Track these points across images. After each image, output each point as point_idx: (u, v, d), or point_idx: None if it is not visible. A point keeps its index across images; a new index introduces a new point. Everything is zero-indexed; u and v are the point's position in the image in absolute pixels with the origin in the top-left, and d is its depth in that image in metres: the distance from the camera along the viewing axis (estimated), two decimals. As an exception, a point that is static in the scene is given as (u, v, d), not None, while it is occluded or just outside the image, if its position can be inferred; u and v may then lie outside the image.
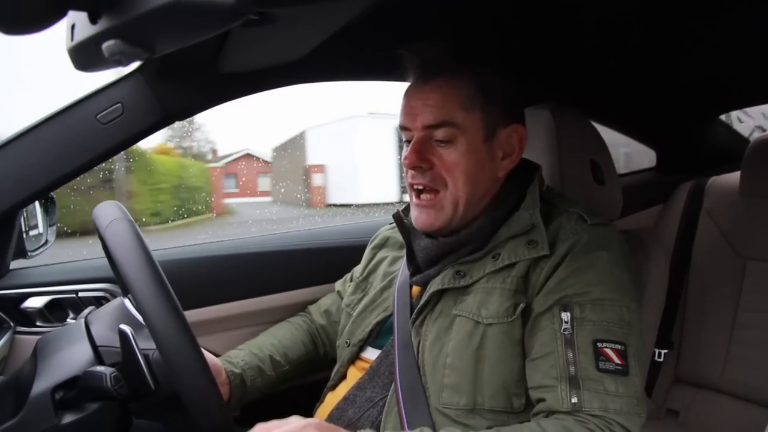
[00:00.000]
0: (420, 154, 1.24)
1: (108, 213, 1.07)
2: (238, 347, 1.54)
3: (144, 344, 1.07)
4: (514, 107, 1.32)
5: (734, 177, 2.06)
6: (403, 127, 1.29)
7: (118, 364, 1.07)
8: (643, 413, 1.10)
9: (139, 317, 1.17)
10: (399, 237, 1.45)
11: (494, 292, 1.20)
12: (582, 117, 1.61)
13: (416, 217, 1.29)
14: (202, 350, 1.03)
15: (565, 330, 1.12)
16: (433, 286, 1.27)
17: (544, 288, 1.17)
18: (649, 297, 1.59)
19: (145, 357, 1.07)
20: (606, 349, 1.10)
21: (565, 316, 1.13)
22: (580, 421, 1.06)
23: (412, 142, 1.25)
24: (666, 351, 2.05)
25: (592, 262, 1.17)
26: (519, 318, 1.17)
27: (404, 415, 1.21)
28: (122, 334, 1.07)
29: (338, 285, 1.69)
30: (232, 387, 1.43)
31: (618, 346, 1.11)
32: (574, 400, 1.07)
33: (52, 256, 1.71)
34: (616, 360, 1.10)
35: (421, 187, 1.26)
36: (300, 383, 1.69)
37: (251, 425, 1.50)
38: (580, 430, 1.05)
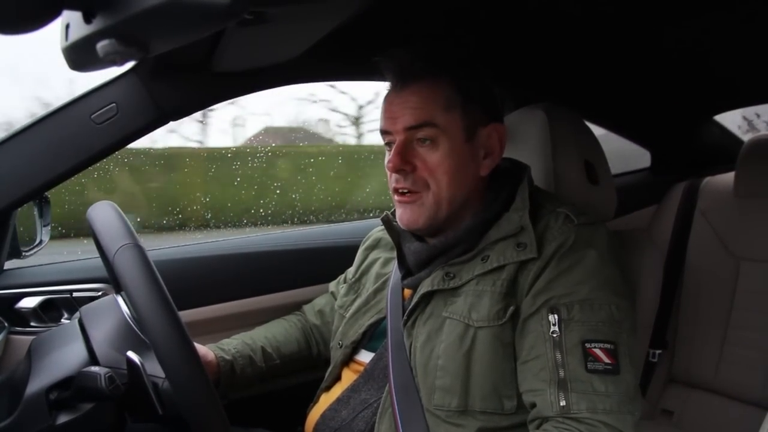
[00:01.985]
0: (403, 157, 1.24)
1: (115, 234, 1.04)
2: (232, 337, 1.55)
3: (151, 369, 1.06)
4: (493, 106, 1.32)
5: (728, 177, 2.07)
6: (383, 131, 1.29)
7: (125, 384, 1.07)
8: (636, 411, 1.09)
9: (136, 326, 1.17)
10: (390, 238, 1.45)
11: (484, 294, 1.20)
12: (576, 117, 1.61)
13: (400, 215, 1.29)
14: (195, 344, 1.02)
15: (553, 332, 1.12)
16: (423, 287, 1.27)
17: (532, 290, 1.17)
18: (643, 297, 1.60)
19: (154, 385, 1.06)
20: (595, 350, 1.10)
21: (553, 318, 1.13)
22: (565, 429, 1.05)
23: (394, 146, 1.25)
24: (660, 351, 2.06)
25: (579, 262, 1.16)
26: (509, 321, 1.17)
27: (398, 417, 1.21)
28: (131, 364, 1.06)
29: (332, 286, 1.69)
30: (222, 373, 1.43)
31: (608, 346, 1.10)
32: (563, 403, 1.07)
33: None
34: (606, 360, 1.09)
35: (405, 191, 1.27)
36: (294, 384, 1.69)
37: (249, 424, 1.52)
38: None
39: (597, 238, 1.20)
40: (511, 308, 1.18)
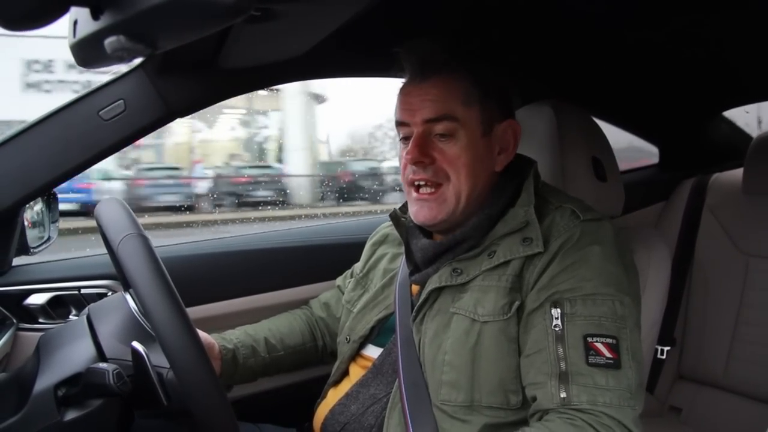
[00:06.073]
0: (422, 149, 1.24)
1: (120, 225, 1.05)
2: (236, 328, 1.55)
3: (156, 360, 1.06)
4: (508, 103, 1.33)
5: (737, 174, 2.06)
6: (400, 123, 1.29)
7: (130, 377, 1.07)
8: (638, 406, 1.09)
9: (143, 320, 1.17)
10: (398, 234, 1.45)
11: (490, 290, 1.20)
12: (584, 113, 1.61)
13: (416, 211, 1.29)
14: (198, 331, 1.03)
15: (555, 326, 1.12)
16: (431, 284, 1.27)
17: (537, 285, 1.17)
18: (651, 294, 1.59)
19: (159, 375, 1.06)
20: (596, 344, 1.10)
21: (556, 312, 1.13)
22: (567, 419, 1.05)
23: (413, 138, 1.25)
24: (668, 348, 2.05)
25: (584, 258, 1.16)
26: (514, 315, 1.18)
27: (408, 412, 1.22)
28: (136, 354, 1.06)
29: (339, 280, 1.70)
30: (224, 362, 1.43)
31: (609, 340, 1.10)
32: (563, 395, 1.07)
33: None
34: (608, 354, 1.09)
35: (422, 182, 1.26)
36: (300, 380, 1.69)
37: (257, 420, 1.52)
38: (565, 428, 1.04)
39: (602, 234, 1.20)
40: (516, 303, 1.18)
